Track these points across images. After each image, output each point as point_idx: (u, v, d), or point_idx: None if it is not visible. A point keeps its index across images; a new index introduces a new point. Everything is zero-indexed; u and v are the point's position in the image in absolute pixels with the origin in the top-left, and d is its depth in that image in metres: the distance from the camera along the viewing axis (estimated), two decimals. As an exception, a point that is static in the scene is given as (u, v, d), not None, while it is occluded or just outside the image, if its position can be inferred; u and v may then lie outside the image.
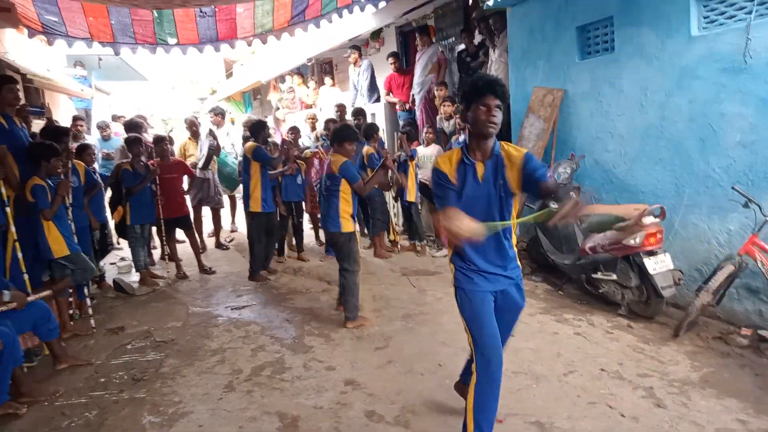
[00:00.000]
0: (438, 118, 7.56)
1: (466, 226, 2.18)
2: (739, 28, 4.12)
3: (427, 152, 7.21)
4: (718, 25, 4.35)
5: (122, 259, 7.39)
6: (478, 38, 7.57)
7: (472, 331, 2.57)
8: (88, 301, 5.08)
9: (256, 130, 6.32)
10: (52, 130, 5.40)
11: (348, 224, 4.66)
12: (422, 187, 7.23)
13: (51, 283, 4.55)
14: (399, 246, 7.36)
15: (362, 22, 8.53)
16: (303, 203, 7.33)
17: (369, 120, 8.34)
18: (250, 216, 6.13)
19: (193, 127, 8.14)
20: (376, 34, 9.81)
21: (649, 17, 4.78)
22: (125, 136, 6.96)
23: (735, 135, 4.24)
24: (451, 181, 2.52)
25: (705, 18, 4.44)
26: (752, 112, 4.10)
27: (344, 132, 4.75)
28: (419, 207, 7.24)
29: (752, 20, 4.02)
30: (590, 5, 5.34)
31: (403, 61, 9.12)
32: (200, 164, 7.70)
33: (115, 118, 12.11)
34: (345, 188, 4.63)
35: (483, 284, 2.59)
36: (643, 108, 4.94)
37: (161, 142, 6.68)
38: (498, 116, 2.41)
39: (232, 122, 13.10)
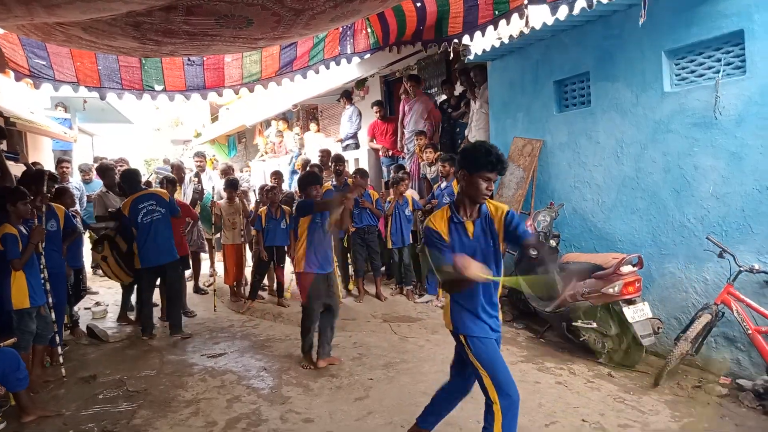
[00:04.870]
0: (421, 164, 7.66)
1: (481, 270, 2.44)
2: (709, 86, 4.30)
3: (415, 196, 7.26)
4: (689, 83, 4.53)
5: (97, 303, 7.22)
6: (459, 89, 7.76)
7: (492, 375, 2.68)
8: (60, 348, 4.92)
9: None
10: (33, 174, 5.36)
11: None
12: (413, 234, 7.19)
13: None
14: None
15: (348, 71, 8.72)
16: (286, 248, 7.29)
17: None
18: None
19: (181, 173, 8.15)
20: (361, 83, 10.03)
21: (623, 73, 4.97)
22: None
23: (708, 187, 4.36)
24: (444, 239, 2.70)
25: (677, 75, 4.63)
26: (723, 165, 4.24)
27: (307, 178, 5.04)
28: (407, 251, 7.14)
29: (720, 79, 4.20)
30: (567, 61, 5.54)
31: (387, 109, 9.31)
32: None
33: (96, 160, 12.07)
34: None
35: (490, 332, 2.77)
36: (619, 159, 5.08)
37: (170, 183, 6.76)
38: (492, 188, 2.67)
39: (212, 164, 13.14)
